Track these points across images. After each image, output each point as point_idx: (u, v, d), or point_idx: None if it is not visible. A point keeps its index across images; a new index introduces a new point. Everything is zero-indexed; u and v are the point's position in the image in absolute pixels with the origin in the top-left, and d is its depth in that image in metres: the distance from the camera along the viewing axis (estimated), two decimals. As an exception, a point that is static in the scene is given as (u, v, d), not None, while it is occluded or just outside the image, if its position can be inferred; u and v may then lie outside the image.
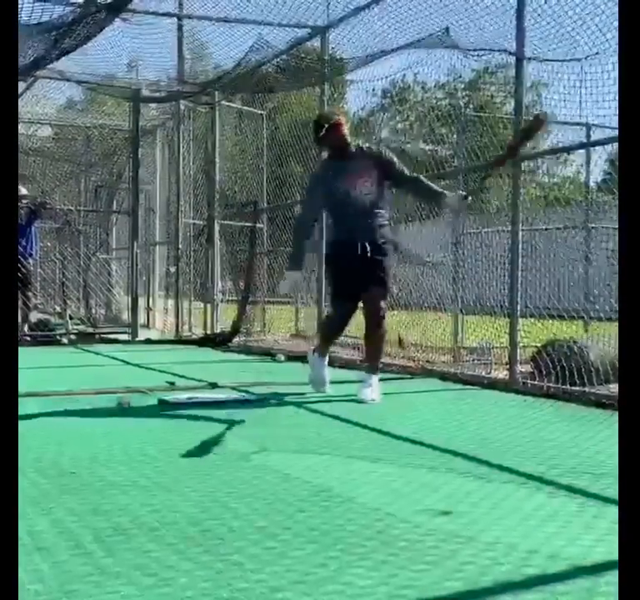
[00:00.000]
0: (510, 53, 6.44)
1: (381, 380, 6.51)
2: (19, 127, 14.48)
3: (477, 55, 6.95)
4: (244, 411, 4.96)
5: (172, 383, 6.11)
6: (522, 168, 6.70)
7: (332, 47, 8.88)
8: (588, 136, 9.20)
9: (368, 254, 5.50)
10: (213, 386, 5.93)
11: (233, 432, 4.23)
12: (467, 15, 7.01)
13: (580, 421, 4.81)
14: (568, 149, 8.41)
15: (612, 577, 2.18)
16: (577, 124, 9.96)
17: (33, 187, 14.12)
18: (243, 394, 5.60)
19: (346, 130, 5.66)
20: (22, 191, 10.75)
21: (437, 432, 4.36)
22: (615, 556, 2.35)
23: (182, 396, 5.30)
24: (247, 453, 3.71)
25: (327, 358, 5.90)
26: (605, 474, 3.33)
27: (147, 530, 2.55)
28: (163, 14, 8.70)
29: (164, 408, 5.03)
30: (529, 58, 6.33)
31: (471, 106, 13.41)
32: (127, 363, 7.83)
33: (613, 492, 3.02)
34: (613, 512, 2.78)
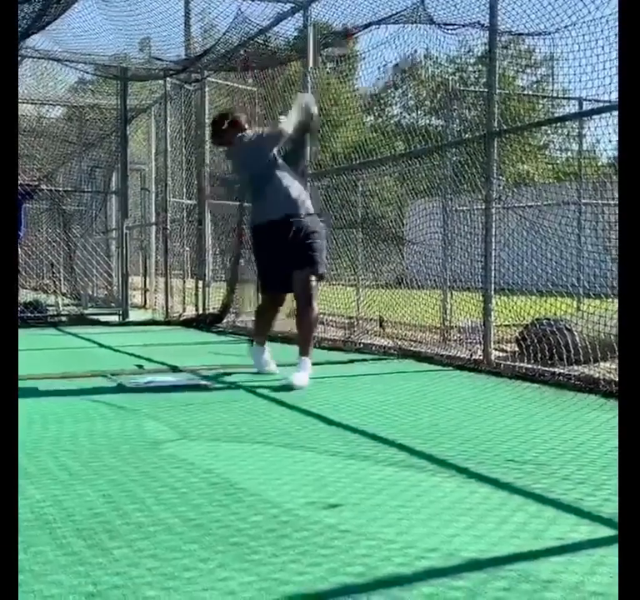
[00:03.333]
0: (483, 26, 6.29)
1: (359, 361, 6.51)
2: (25, 108, 14.46)
3: (453, 30, 6.79)
4: (188, 396, 4.91)
5: (141, 366, 6.07)
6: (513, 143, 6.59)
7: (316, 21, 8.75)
8: (581, 109, 9.04)
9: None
10: (175, 369, 5.89)
11: (164, 420, 4.17)
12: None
13: (544, 403, 4.68)
14: (562, 119, 8.24)
15: (511, 571, 2.12)
16: (569, 98, 9.82)
17: (36, 169, 14.07)
18: (200, 378, 5.54)
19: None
20: None
21: (383, 417, 4.27)
22: (524, 549, 2.30)
23: (141, 380, 5.26)
24: (164, 441, 3.65)
25: (265, 346, 5.90)
26: (543, 464, 3.22)
27: (41, 523, 2.49)
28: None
29: (122, 393, 4.98)
30: (502, 31, 6.18)
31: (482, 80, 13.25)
32: (102, 345, 7.81)
33: (547, 483, 2.94)
34: (537, 504, 2.71)
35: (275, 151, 5.62)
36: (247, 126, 5.89)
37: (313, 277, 5.47)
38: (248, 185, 5.90)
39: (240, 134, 5.77)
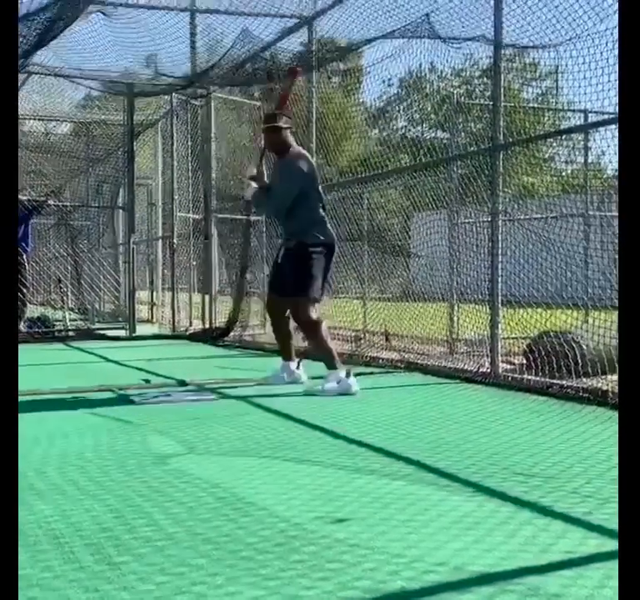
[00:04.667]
0: (487, 40, 6.31)
1: (367, 374, 6.51)
2: (32, 125, 14.56)
3: (458, 44, 6.81)
4: (195, 410, 4.92)
5: (148, 381, 6.07)
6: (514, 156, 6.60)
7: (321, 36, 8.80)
8: (586, 121, 9.05)
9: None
10: (182, 384, 5.89)
11: (171, 434, 4.17)
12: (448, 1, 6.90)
13: (552, 416, 4.66)
14: (566, 132, 8.25)
15: (520, 585, 2.11)
16: (574, 111, 9.84)
17: (44, 184, 14.15)
18: (208, 393, 5.55)
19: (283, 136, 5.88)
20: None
21: (390, 431, 4.26)
22: (532, 562, 2.29)
23: (148, 395, 5.27)
24: (171, 456, 3.66)
25: (290, 361, 6.03)
26: (551, 478, 3.21)
27: (50, 538, 2.50)
28: (144, 7, 8.62)
29: (128, 407, 4.99)
30: (506, 45, 6.19)
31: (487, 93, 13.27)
32: (108, 360, 7.82)
33: (555, 497, 2.93)
34: (545, 518, 2.70)
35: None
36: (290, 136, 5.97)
37: (302, 301, 5.66)
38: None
39: (293, 159, 5.85)
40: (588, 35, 5.52)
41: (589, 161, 9.10)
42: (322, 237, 5.75)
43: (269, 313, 6.24)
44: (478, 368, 6.38)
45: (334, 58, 8.97)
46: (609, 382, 5.30)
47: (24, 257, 10.60)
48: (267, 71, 6.66)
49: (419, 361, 7.12)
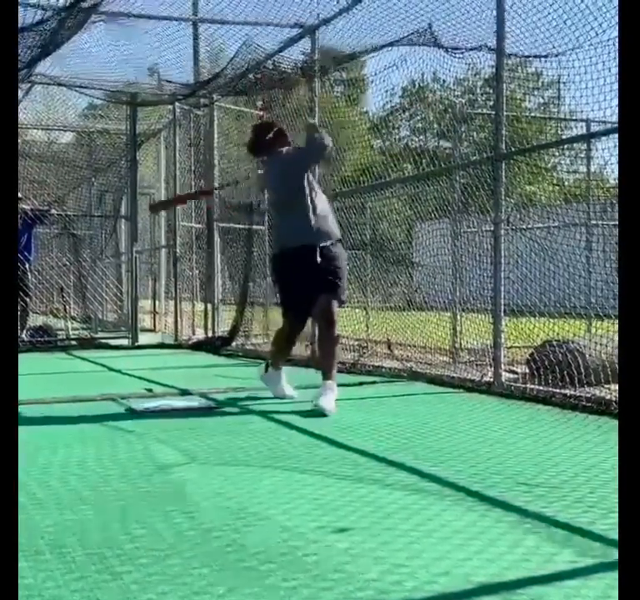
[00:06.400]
0: (490, 49, 6.32)
1: (369, 383, 6.50)
2: (36, 134, 14.60)
3: (461, 54, 6.82)
4: (197, 419, 4.91)
5: (150, 390, 6.07)
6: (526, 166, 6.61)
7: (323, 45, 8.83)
8: (588, 130, 9.06)
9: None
10: (184, 393, 5.89)
11: (173, 443, 4.16)
12: (451, 12, 6.92)
13: (555, 426, 4.65)
14: (569, 141, 8.26)
15: (523, 595, 2.10)
16: (576, 120, 9.84)
17: (46, 194, 14.17)
18: (210, 402, 5.54)
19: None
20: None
21: (393, 440, 4.25)
22: (533, 573, 2.28)
23: (150, 404, 5.26)
24: (172, 465, 3.64)
25: (281, 371, 5.73)
26: (555, 487, 3.20)
27: (51, 548, 2.48)
28: (147, 16, 8.65)
29: (130, 417, 4.98)
30: (509, 54, 6.20)
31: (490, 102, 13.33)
32: (111, 369, 7.82)
33: (558, 506, 2.92)
34: (549, 528, 2.69)
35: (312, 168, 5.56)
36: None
37: (335, 303, 5.35)
38: (275, 206, 5.78)
39: (281, 149, 5.59)
40: (591, 45, 5.53)
41: (592, 170, 9.11)
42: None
43: (290, 325, 5.67)
44: (481, 377, 6.36)
45: (337, 68, 8.99)
46: (612, 391, 5.28)
47: (27, 266, 10.61)
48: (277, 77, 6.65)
49: (422, 370, 7.11)
